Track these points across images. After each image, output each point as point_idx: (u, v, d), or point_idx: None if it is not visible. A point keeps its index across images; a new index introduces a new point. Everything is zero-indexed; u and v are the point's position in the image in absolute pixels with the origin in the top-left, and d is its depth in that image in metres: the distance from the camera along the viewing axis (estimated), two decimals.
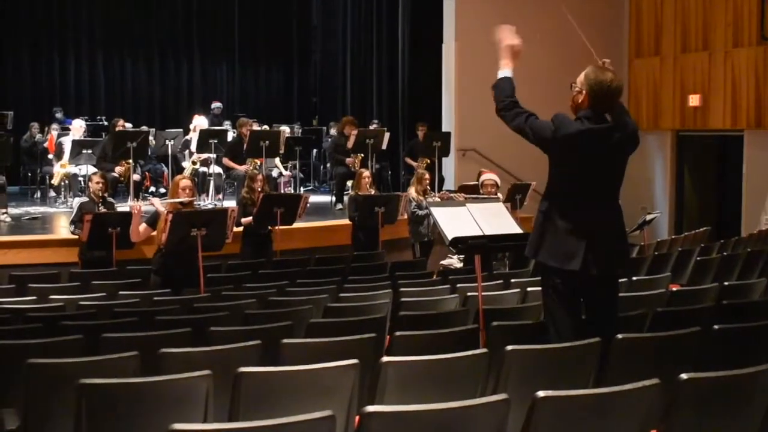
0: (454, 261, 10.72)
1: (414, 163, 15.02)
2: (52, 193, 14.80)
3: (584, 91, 5.09)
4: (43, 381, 4.46)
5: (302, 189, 15.69)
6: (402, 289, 7.53)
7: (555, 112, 5.16)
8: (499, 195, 10.87)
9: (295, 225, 10.98)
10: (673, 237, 13.21)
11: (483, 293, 6.22)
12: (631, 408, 3.50)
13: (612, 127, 5.06)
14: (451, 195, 11.72)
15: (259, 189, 10.74)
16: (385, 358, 4.21)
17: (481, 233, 5.96)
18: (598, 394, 3.55)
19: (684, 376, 3.50)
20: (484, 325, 5.69)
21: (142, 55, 20.49)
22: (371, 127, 15.97)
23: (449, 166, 15.76)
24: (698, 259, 9.09)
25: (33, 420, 4.43)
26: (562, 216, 5.02)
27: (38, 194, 15.67)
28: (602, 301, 5.13)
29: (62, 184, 14.25)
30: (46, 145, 15.61)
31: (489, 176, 10.94)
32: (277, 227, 10.45)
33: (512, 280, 7.87)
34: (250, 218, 10.37)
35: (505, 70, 5.63)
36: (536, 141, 5.18)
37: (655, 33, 16.78)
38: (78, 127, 14.60)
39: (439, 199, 11.67)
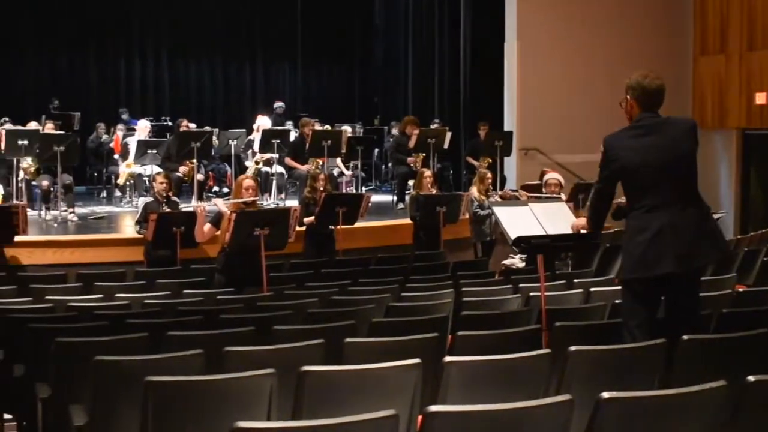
0: (516, 261, 10.66)
1: (475, 163, 14.97)
2: (118, 193, 14.99)
3: (629, 97, 5.13)
4: (110, 378, 4.52)
5: (364, 188, 15.71)
6: (464, 288, 7.51)
7: (606, 112, 5.24)
8: (562, 195, 10.79)
9: (357, 224, 11.00)
10: (738, 237, 13.00)
11: (546, 293, 6.19)
12: (697, 410, 3.46)
13: (658, 127, 5.07)
14: (514, 194, 11.67)
15: (322, 189, 10.77)
16: (448, 358, 4.20)
17: (544, 233, 5.94)
18: (663, 396, 3.52)
19: (751, 378, 3.46)
20: (546, 325, 5.67)
21: (206, 56, 20.69)
22: (433, 127, 15.94)
23: (511, 165, 15.68)
24: (765, 259, 8.95)
25: (100, 416, 4.50)
26: (639, 225, 5.06)
27: (104, 194, 15.89)
28: (681, 301, 5.11)
29: (127, 183, 14.43)
30: (111, 145, 15.82)
31: (552, 176, 10.86)
32: (339, 227, 10.48)
33: (575, 281, 7.81)
34: (313, 218, 10.41)
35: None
36: (614, 176, 5.19)
37: (720, 30, 16.53)
38: (143, 127, 14.77)
39: (500, 199, 11.62)
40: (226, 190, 14.94)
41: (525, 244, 5.97)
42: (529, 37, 15.74)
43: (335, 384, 3.99)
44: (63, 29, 19.10)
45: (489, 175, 11.97)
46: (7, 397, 6.36)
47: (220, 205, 9.28)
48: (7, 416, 6.57)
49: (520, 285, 7.52)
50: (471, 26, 17.68)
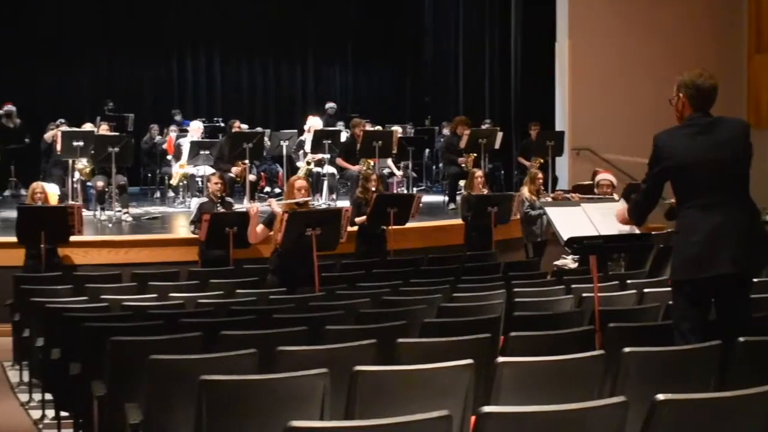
0: (568, 261, 10.60)
1: (527, 163, 14.91)
2: (171, 194, 15.14)
3: (682, 95, 5.06)
4: (165, 376, 4.57)
5: (415, 189, 15.71)
6: (516, 289, 7.49)
7: (658, 112, 5.18)
8: (615, 195, 10.71)
9: (408, 225, 11.00)
10: None
11: (599, 294, 6.16)
12: (754, 413, 3.42)
13: (711, 126, 5.02)
14: (566, 195, 11.61)
15: (373, 189, 10.79)
16: (501, 359, 4.19)
17: (597, 233, 5.90)
18: (719, 398, 3.49)
19: None
20: (600, 326, 5.64)
21: (258, 57, 20.82)
22: (484, 127, 15.91)
23: (562, 165, 15.60)
24: None
25: (155, 414, 4.54)
26: (692, 225, 5.00)
27: (158, 194, 16.06)
28: (733, 303, 5.06)
29: (181, 184, 14.56)
30: (165, 146, 15.98)
31: (605, 176, 10.79)
32: (390, 227, 10.49)
33: (628, 281, 7.76)
34: (364, 218, 10.44)
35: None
36: (664, 174, 5.14)
37: None
38: (196, 128, 14.89)
39: (552, 199, 11.57)
40: (277, 190, 15.01)
41: (578, 244, 5.93)
42: (581, 36, 15.64)
43: (388, 384, 4.00)
44: (117, 32, 19.33)
45: (540, 175, 11.91)
46: (64, 395, 6.47)
47: (274, 205, 9.33)
48: (63, 414, 6.67)
49: (573, 286, 7.47)
50: (522, 25, 17.62)
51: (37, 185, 10.37)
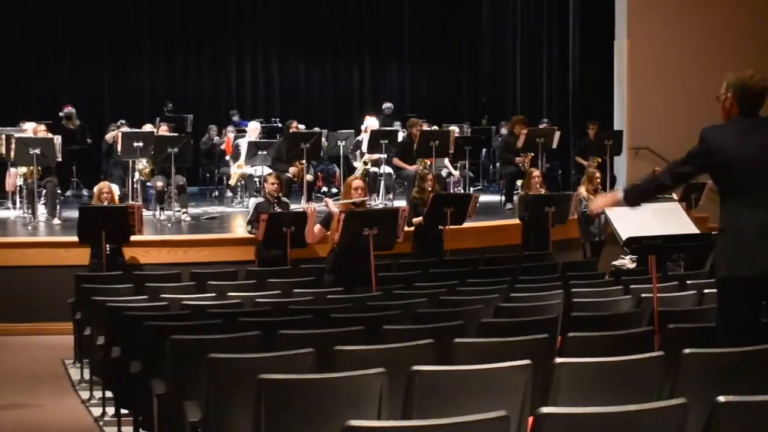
0: (627, 261, 10.52)
1: (585, 162, 14.81)
2: (229, 194, 15.26)
3: (730, 95, 4.98)
4: (223, 375, 4.60)
5: (472, 189, 15.67)
6: (573, 289, 7.44)
7: (717, 111, 5.10)
8: (674, 194, 10.60)
9: (465, 224, 10.98)
10: None
11: (658, 294, 6.10)
12: None
13: (758, 126, 4.94)
14: None
15: (430, 189, 10.79)
16: (559, 360, 4.17)
17: (656, 233, 5.85)
18: None
19: None
20: (659, 327, 5.59)
21: (315, 58, 20.90)
22: (541, 126, 15.83)
23: (621, 164, 15.46)
24: None
25: (214, 412, 4.58)
26: (740, 222, 4.91)
27: (216, 194, 16.20)
28: None
29: (239, 184, 14.67)
30: (223, 146, 16.11)
31: None
32: (447, 227, 10.48)
33: (688, 282, 7.68)
34: (421, 218, 10.43)
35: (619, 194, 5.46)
36: (708, 169, 5.05)
37: None
38: (254, 128, 14.99)
39: None
40: (334, 190, 15.07)
41: (637, 244, 5.88)
42: (640, 35, 15.50)
43: (445, 384, 4.00)
44: (176, 34, 19.56)
45: (598, 174, 11.82)
46: (124, 393, 6.54)
47: (330, 205, 9.36)
48: (123, 411, 6.76)
49: (631, 286, 7.42)
50: (580, 24, 17.50)
51: (103, 185, 10.51)
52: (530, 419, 3.90)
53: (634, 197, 5.36)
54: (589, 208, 5.74)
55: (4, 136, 13.77)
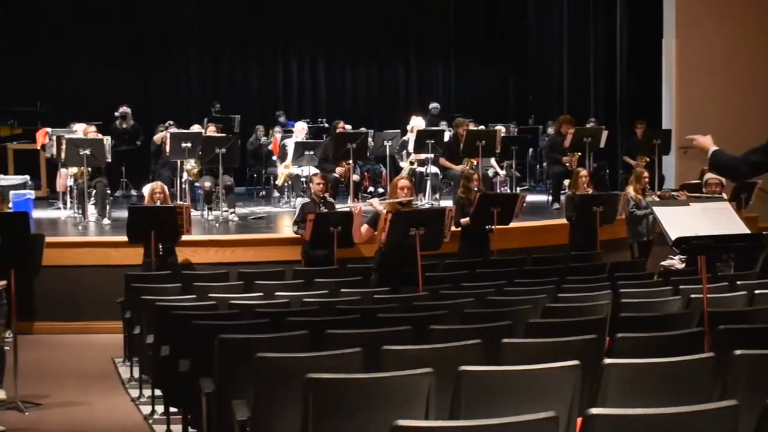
0: (675, 262, 10.43)
1: (632, 162, 14.70)
2: (276, 194, 15.32)
3: None
4: (271, 374, 4.63)
5: (518, 188, 15.61)
6: (622, 290, 7.39)
7: (756, 105, 5.07)
8: (724, 194, 10.50)
9: (512, 224, 10.94)
10: None
11: (708, 295, 6.04)
12: None
13: None
14: (673, 194, 11.41)
15: (476, 189, 10.76)
16: (608, 360, 4.15)
17: (705, 233, 5.79)
18: None
19: None
20: (709, 328, 5.53)
21: (362, 58, 20.94)
22: (588, 126, 15.74)
23: (669, 164, 15.33)
24: None
25: (262, 411, 4.61)
26: None
27: (263, 194, 16.27)
28: None
29: (286, 184, 14.73)
30: (270, 147, 16.18)
31: (713, 175, 10.57)
32: (494, 227, 10.45)
33: (738, 282, 7.59)
34: (468, 218, 10.41)
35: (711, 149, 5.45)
36: None
37: None
38: (300, 129, 15.05)
39: (659, 198, 11.38)
40: (381, 190, 15.09)
41: (686, 244, 5.83)
42: (688, 34, 15.37)
43: (493, 384, 3.99)
44: (223, 36, 19.68)
45: (646, 174, 11.72)
46: (173, 392, 6.60)
47: (376, 205, 9.37)
48: (173, 409, 6.82)
49: (680, 286, 7.36)
50: (628, 23, 17.38)
51: (156, 185, 10.59)
52: (579, 420, 3.89)
53: (719, 162, 5.36)
54: (696, 141, 5.67)
55: (55, 137, 13.96)
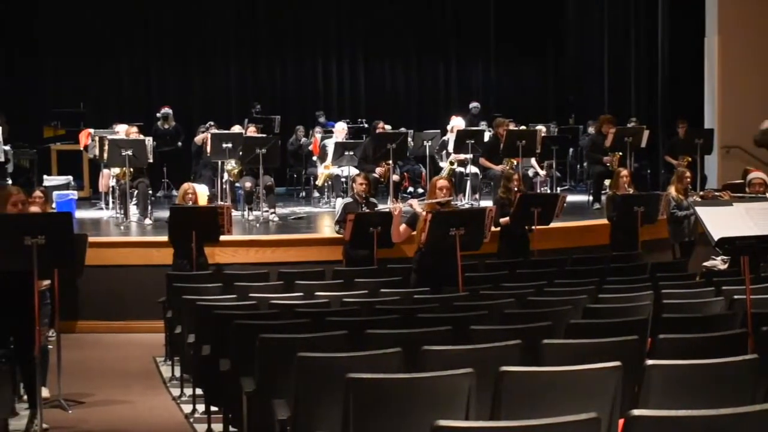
0: (718, 262, 10.33)
1: (674, 162, 14.58)
2: (316, 194, 15.36)
3: None
4: (312, 373, 4.65)
5: (559, 188, 15.55)
6: (664, 290, 7.34)
7: None
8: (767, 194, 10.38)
9: (552, 224, 10.90)
10: None
11: (751, 296, 5.98)
12: None
13: None
14: (715, 194, 11.30)
15: (516, 189, 10.73)
16: (650, 361, 4.12)
17: (749, 233, 5.73)
18: None
19: None
20: (752, 329, 5.48)
21: (401, 58, 20.93)
22: (629, 125, 15.63)
23: (712, 164, 15.20)
24: None
25: (302, 410, 4.63)
26: None
27: (303, 195, 16.32)
28: None
29: (326, 184, 14.76)
30: (310, 147, 16.22)
31: (757, 174, 10.47)
32: (534, 227, 10.41)
33: None
34: (508, 218, 10.38)
35: None
36: None
37: None
38: (340, 129, 15.07)
39: (701, 198, 11.28)
40: (420, 190, 15.08)
41: (729, 245, 5.77)
42: (730, 32, 15.23)
43: (534, 385, 3.98)
44: (264, 37, 19.76)
45: (688, 174, 11.63)
46: (214, 391, 6.64)
47: (415, 205, 9.37)
48: (213, 408, 6.86)
49: (723, 287, 7.29)
50: (669, 21, 17.25)
51: (188, 186, 10.65)
52: (620, 422, 3.87)
53: None
54: None
55: (97, 138, 14.08)
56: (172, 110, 16.73)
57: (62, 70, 18.22)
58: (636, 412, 3.13)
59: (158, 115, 16.59)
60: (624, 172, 11.48)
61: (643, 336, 5.52)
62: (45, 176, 15.42)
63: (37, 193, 8.66)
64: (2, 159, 12.98)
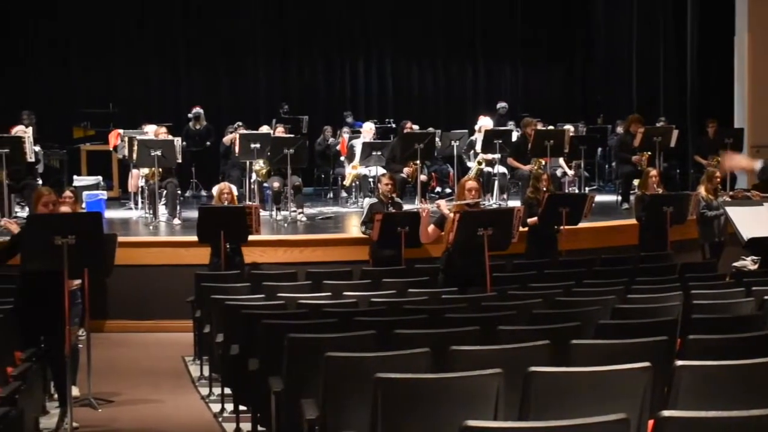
0: (748, 263, 10.25)
1: (704, 161, 14.51)
2: (344, 194, 15.37)
3: None
4: (340, 373, 4.66)
5: (587, 188, 15.49)
6: (693, 291, 7.30)
7: None
8: None
9: (581, 225, 10.86)
10: None
11: None
12: None
13: None
14: (745, 194, 11.23)
15: (544, 189, 10.70)
16: (679, 362, 4.10)
17: None
18: None
19: None
20: None
21: (428, 58, 20.91)
22: (658, 125, 15.55)
23: None
24: None
25: (331, 410, 4.64)
26: None
27: (331, 195, 16.34)
28: None
29: (353, 185, 14.77)
30: (338, 147, 16.24)
31: None
32: (562, 227, 10.38)
33: None
34: (536, 218, 10.36)
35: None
36: None
37: None
38: (368, 129, 15.07)
39: (731, 198, 11.21)
40: (448, 190, 15.06)
41: (759, 245, 5.74)
42: (762, 30, 15.12)
43: (563, 386, 3.97)
44: (292, 37, 19.79)
45: (718, 173, 11.55)
46: (243, 390, 6.66)
47: (443, 206, 9.36)
48: (242, 408, 6.88)
49: (753, 288, 7.24)
50: (698, 19, 17.14)
51: (224, 186, 10.69)
52: (650, 423, 3.85)
53: None
54: (721, 165, 5.60)
55: (127, 139, 14.17)
56: (202, 111, 16.78)
57: (92, 71, 18.33)
58: (666, 413, 3.11)
59: (189, 115, 16.65)
60: (653, 171, 11.43)
61: (673, 336, 5.49)
62: (75, 176, 15.51)
63: (68, 193, 8.71)
64: (33, 159, 13.05)
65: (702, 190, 11.27)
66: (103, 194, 14.07)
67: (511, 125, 16.57)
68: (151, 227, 12.56)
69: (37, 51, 18.10)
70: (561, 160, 14.27)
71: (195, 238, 10.23)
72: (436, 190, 15.47)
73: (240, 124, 15.83)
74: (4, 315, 6.71)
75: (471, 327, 5.61)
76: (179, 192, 13.40)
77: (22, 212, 12.63)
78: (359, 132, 15.66)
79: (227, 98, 19.36)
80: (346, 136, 16.16)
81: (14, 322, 6.96)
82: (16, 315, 7.08)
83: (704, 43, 17.07)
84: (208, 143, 16.55)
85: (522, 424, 3.53)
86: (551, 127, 15.46)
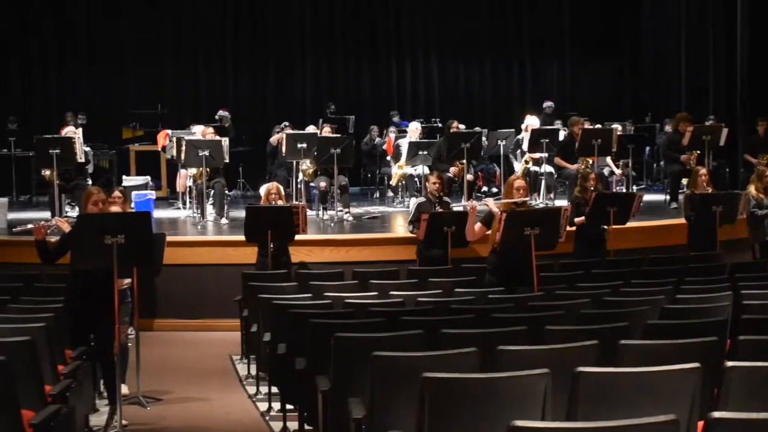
0: None
1: (754, 160, 14.35)
2: (390, 193, 15.38)
3: None
4: (387, 373, 4.67)
5: (635, 188, 15.36)
6: (743, 291, 7.22)
7: None
8: None
9: (629, 224, 10.78)
10: None
11: None
12: None
13: None
14: None
15: (592, 188, 10.63)
16: (730, 363, 4.06)
17: None
18: None
19: None
20: None
21: (475, 57, 20.86)
22: (707, 123, 15.40)
23: None
24: None
25: (378, 409, 4.64)
26: None
27: (377, 194, 16.35)
28: None
29: (400, 184, 14.78)
30: (384, 147, 16.26)
31: None
32: (610, 226, 10.31)
33: None
34: (583, 218, 10.30)
35: None
36: None
37: None
38: (414, 129, 15.07)
39: None
40: (495, 190, 15.02)
41: None
42: None
43: (611, 386, 3.95)
44: (338, 37, 19.84)
45: None
46: (290, 389, 6.69)
47: (491, 204, 9.33)
48: (289, 407, 6.91)
49: None
50: (749, 17, 16.94)
51: (272, 186, 10.74)
52: (700, 424, 3.82)
53: None
54: None
55: (175, 139, 14.28)
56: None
57: (141, 73, 18.53)
58: (716, 414, 3.09)
59: (216, 117, 16.71)
60: (702, 170, 11.32)
61: (723, 337, 5.44)
62: (124, 176, 15.67)
63: (117, 193, 8.78)
64: (83, 160, 13.19)
65: (752, 189, 11.15)
66: (152, 194, 14.19)
67: (558, 124, 16.49)
68: (199, 227, 12.66)
69: (89, 53, 18.33)
70: (608, 159, 14.16)
71: (242, 238, 10.28)
72: (482, 190, 15.44)
73: (287, 124, 15.87)
74: (54, 314, 6.78)
75: (518, 327, 5.60)
76: (227, 191, 13.48)
77: (72, 212, 12.77)
78: (405, 131, 15.65)
79: (274, 98, 19.46)
80: (392, 135, 16.16)
81: (65, 320, 7.03)
82: (67, 314, 7.16)
83: (754, 40, 16.87)
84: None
85: (570, 424, 3.51)
86: (598, 126, 15.35)
